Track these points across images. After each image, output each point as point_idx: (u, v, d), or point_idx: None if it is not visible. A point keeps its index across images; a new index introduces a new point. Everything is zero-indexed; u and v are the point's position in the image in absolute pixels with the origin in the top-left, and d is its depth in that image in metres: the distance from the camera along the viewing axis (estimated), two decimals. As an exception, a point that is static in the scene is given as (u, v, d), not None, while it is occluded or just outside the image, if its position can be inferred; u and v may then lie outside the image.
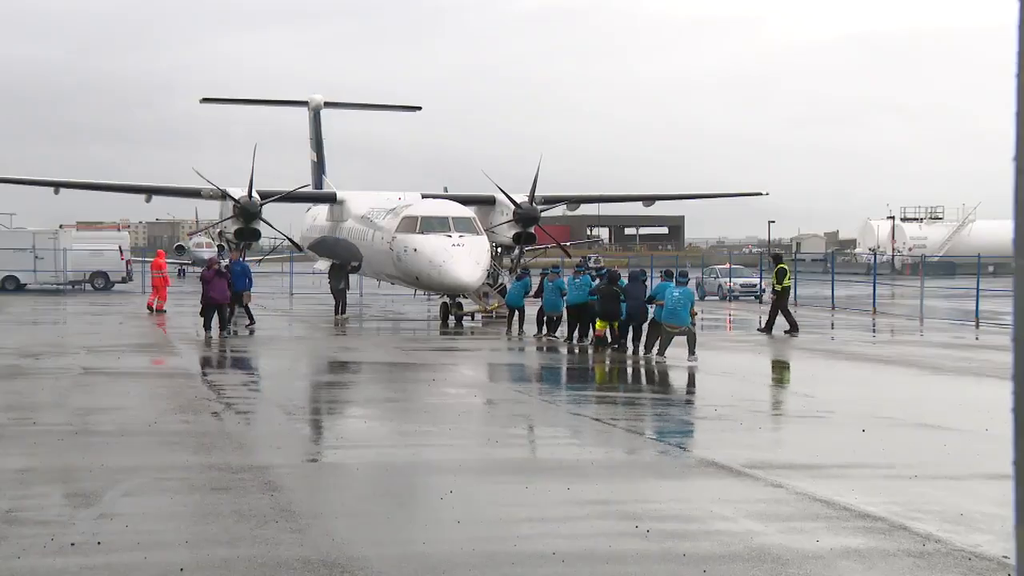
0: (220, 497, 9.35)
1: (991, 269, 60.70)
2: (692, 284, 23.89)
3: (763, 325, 28.57)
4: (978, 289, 33.57)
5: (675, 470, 11.01)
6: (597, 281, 25.41)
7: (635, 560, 7.71)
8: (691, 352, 21.16)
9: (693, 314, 22.05)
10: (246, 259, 39.95)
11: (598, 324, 24.37)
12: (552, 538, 8.19)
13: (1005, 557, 7.72)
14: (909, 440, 13.14)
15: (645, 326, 23.21)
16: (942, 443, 12.86)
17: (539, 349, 24.74)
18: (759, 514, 9.03)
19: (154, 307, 34.82)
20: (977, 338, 28.24)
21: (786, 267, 29.77)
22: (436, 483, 10.14)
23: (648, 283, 25.59)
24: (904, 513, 9.08)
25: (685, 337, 21.43)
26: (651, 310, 23.04)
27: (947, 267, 71.35)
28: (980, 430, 13.44)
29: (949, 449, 12.50)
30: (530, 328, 27.72)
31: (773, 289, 29.15)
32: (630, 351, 23.30)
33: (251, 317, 28.39)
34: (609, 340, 24.18)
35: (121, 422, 13.42)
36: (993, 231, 76.03)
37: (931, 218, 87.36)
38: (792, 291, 43.06)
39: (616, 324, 24.01)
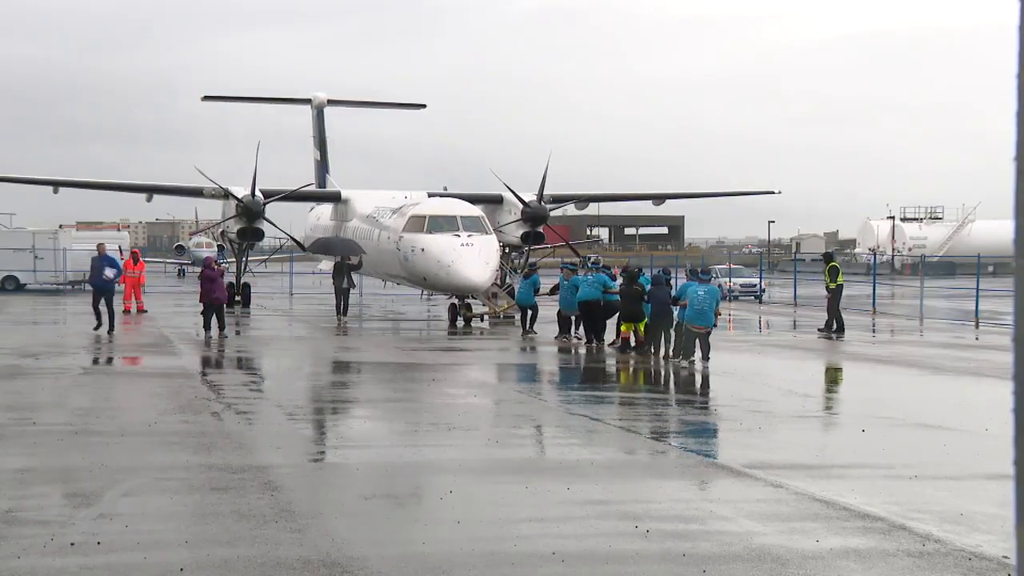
0: (220, 497, 9.35)
1: (991, 269, 60.68)
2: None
3: (833, 327, 28.13)
4: (978, 289, 33.56)
5: (675, 470, 11.01)
6: (619, 281, 24.69)
7: (635, 560, 7.71)
8: (705, 356, 20.73)
9: (717, 314, 21.40)
10: (248, 259, 39.95)
11: (623, 327, 23.53)
12: (552, 538, 8.20)
13: (1005, 557, 7.72)
14: (909, 440, 13.14)
15: (672, 331, 22.20)
16: (942, 443, 12.86)
17: (546, 350, 24.61)
18: (759, 514, 9.03)
19: (133, 310, 34.45)
20: (977, 338, 28.23)
21: (838, 265, 29.77)
22: (436, 483, 10.14)
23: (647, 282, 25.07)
24: (904, 513, 9.08)
25: (699, 340, 20.85)
26: (675, 312, 22.12)
27: (947, 267, 71.33)
28: (980, 430, 13.44)
29: (949, 449, 12.50)
30: (548, 328, 27.12)
31: (827, 288, 28.96)
32: (660, 355, 22.23)
33: (111, 319, 26.75)
34: (633, 343, 23.29)
35: (121, 422, 13.43)
36: (993, 231, 75.97)
37: (931, 218, 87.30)
38: (794, 291, 43.25)
39: (642, 327, 23.11)
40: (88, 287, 47.27)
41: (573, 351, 24.15)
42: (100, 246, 29.31)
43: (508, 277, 36.59)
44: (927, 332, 29.98)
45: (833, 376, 21.01)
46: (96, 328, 26.30)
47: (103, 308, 26.76)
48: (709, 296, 21.01)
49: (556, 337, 26.20)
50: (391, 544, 8.01)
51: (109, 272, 27.38)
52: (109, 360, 21.66)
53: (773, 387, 17.76)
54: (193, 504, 9.15)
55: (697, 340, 21.03)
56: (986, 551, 7.96)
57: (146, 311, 34.33)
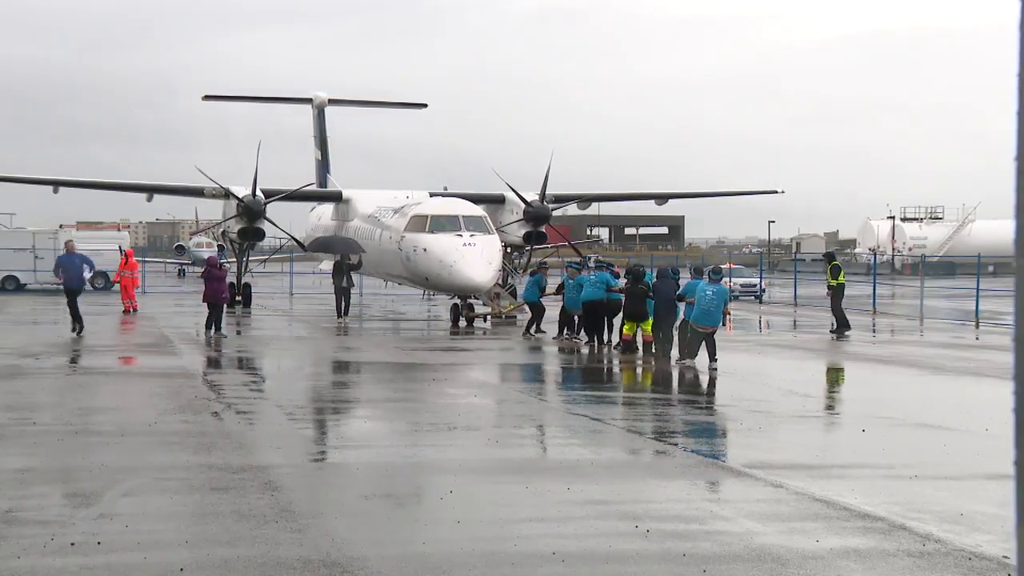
0: (220, 497, 9.35)
1: (991, 269, 60.68)
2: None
3: (834, 327, 28.11)
4: (978, 289, 33.56)
5: (675, 470, 11.01)
6: (622, 281, 24.34)
7: (635, 560, 7.71)
8: (712, 357, 20.10)
9: (726, 313, 20.89)
10: (249, 259, 39.90)
11: (625, 328, 23.26)
12: (552, 538, 8.20)
13: (1005, 557, 7.72)
14: (909, 440, 13.14)
15: (674, 329, 21.82)
16: (942, 443, 12.86)
17: (547, 350, 24.56)
18: (759, 514, 9.03)
19: (132, 310, 34.41)
20: (977, 338, 28.23)
21: (840, 264, 29.81)
22: (436, 483, 10.14)
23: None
24: (904, 513, 9.08)
25: (705, 341, 20.31)
26: (681, 309, 21.67)
27: (947, 267, 71.36)
28: (980, 430, 13.44)
29: (949, 449, 12.50)
30: (548, 328, 26.97)
31: (828, 287, 28.90)
32: (662, 354, 21.88)
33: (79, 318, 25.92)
34: (638, 344, 22.96)
35: (121, 422, 13.42)
36: (993, 231, 76.02)
37: (931, 218, 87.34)
38: (794, 291, 43.26)
39: (648, 326, 22.70)
40: (88, 287, 47.80)
41: (574, 351, 24.11)
42: (69, 243, 27.95)
43: (511, 277, 36.48)
44: (927, 332, 29.98)
45: (833, 376, 21.00)
46: (79, 332, 25.34)
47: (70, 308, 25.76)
48: (718, 297, 20.42)
49: (555, 338, 26.10)
50: (391, 544, 8.01)
51: (88, 274, 26.20)
52: (109, 360, 21.63)
53: (773, 387, 17.76)
54: (193, 504, 9.15)
55: (704, 341, 20.50)
56: (986, 551, 7.96)
57: (136, 310, 34.32)
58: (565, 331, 26.23)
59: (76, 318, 25.78)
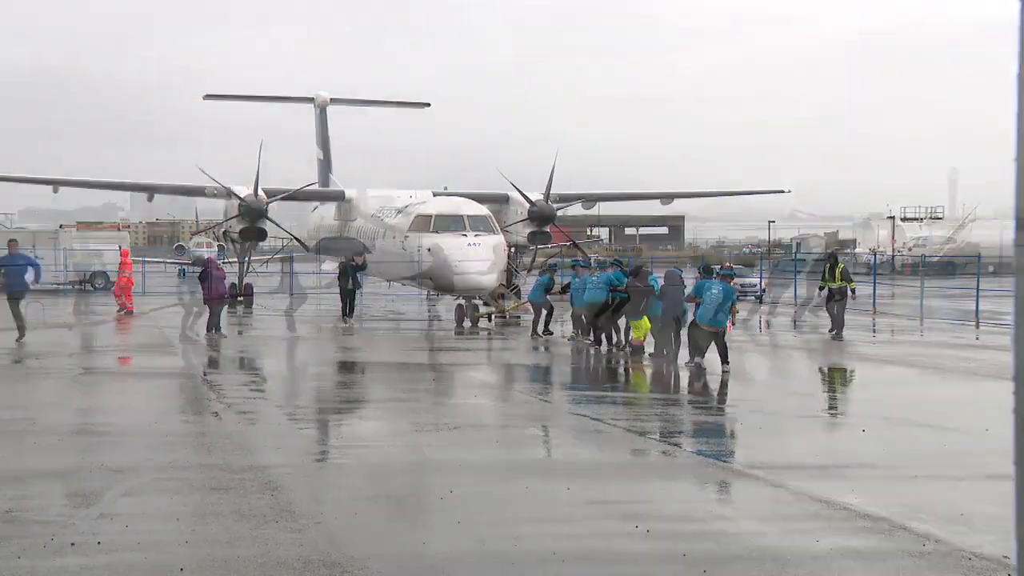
0: (220, 497, 9.35)
1: (991, 269, 60.65)
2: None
3: (832, 328, 28.01)
4: (978, 289, 33.54)
5: (675, 470, 11.01)
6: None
7: (635, 560, 7.71)
8: (724, 360, 19.65)
9: (734, 312, 20.40)
10: (252, 259, 39.82)
11: (633, 332, 22.95)
12: (552, 538, 8.20)
13: (1005, 557, 7.72)
14: (909, 440, 13.14)
15: (683, 332, 21.56)
16: (942, 443, 12.87)
17: (550, 351, 24.51)
18: (759, 514, 9.03)
19: (125, 308, 34.32)
20: (977, 338, 28.22)
21: (844, 265, 29.83)
22: (436, 483, 10.14)
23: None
24: (904, 513, 9.08)
25: (715, 343, 19.91)
26: (690, 310, 21.33)
27: (947, 267, 71.32)
28: (980, 430, 13.44)
29: (949, 449, 12.51)
30: (553, 329, 26.96)
31: (833, 289, 28.63)
32: (669, 356, 21.70)
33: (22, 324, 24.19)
34: (644, 348, 22.59)
35: (121, 422, 13.43)
36: (993, 231, 75.97)
37: (931, 218, 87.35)
38: (794, 291, 43.22)
39: (645, 325, 22.38)
40: (88, 287, 47.79)
41: (577, 352, 24.09)
42: (11, 243, 26.54)
43: (515, 278, 36.34)
44: (927, 332, 29.96)
45: (833, 376, 20.98)
46: (19, 339, 23.62)
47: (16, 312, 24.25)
48: (723, 296, 19.96)
49: (570, 336, 26.00)
50: (391, 544, 8.01)
51: (30, 275, 24.79)
52: (109, 360, 21.63)
53: (773, 387, 17.76)
54: (193, 504, 9.15)
55: (713, 342, 20.08)
56: (986, 551, 7.96)
57: (123, 310, 34.32)
58: (575, 330, 26.16)
59: (19, 325, 24.07)
